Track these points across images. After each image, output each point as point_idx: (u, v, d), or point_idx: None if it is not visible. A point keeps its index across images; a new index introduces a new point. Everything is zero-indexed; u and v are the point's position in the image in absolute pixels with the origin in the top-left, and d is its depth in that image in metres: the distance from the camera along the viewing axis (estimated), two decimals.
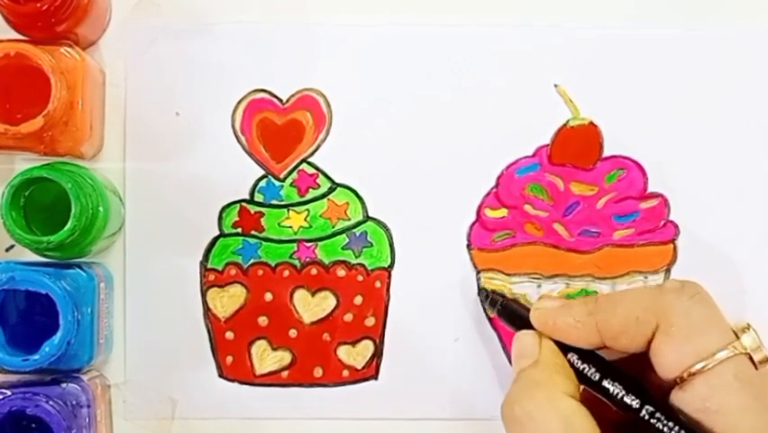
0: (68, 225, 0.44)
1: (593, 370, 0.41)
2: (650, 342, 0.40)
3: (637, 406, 0.39)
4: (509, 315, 0.47)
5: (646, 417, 0.39)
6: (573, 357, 0.42)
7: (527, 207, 0.51)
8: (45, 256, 0.47)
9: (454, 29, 0.51)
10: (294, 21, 0.51)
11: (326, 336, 0.51)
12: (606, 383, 0.40)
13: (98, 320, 0.48)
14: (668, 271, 0.51)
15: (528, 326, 0.44)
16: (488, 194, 0.51)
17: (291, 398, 0.51)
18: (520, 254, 0.51)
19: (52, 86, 0.44)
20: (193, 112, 0.51)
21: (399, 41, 0.51)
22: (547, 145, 0.51)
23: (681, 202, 0.51)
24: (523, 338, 0.43)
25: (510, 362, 0.51)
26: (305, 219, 0.51)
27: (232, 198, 0.51)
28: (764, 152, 0.51)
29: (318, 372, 0.51)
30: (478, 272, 0.51)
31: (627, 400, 0.40)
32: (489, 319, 0.51)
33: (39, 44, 0.45)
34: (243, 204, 0.51)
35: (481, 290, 0.50)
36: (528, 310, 0.44)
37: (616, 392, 0.40)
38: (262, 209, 0.51)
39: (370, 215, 0.51)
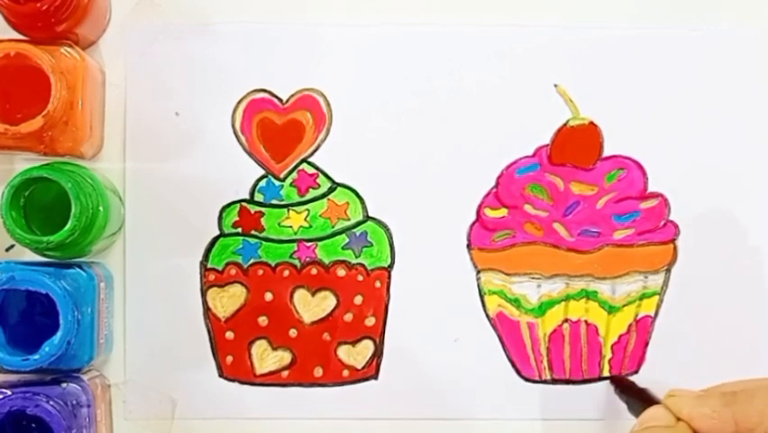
0: (68, 225, 0.44)
1: None
2: None
3: None
4: (640, 402, 0.46)
5: None
6: None
7: (527, 207, 0.51)
8: (45, 256, 0.47)
9: (454, 29, 0.51)
10: (294, 21, 0.51)
11: (326, 336, 0.51)
12: None
13: (98, 320, 0.48)
14: (668, 271, 0.51)
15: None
16: (488, 194, 0.51)
17: (291, 398, 0.51)
18: (520, 254, 0.51)
19: (52, 86, 0.44)
20: (193, 112, 0.51)
21: (399, 41, 0.51)
22: (547, 145, 0.51)
23: (681, 202, 0.51)
24: (659, 409, 0.43)
25: (511, 362, 0.51)
26: (305, 219, 0.51)
27: (232, 198, 0.51)
28: (764, 152, 0.51)
29: (318, 372, 0.51)
30: (478, 272, 0.51)
31: None
32: (489, 319, 0.51)
33: (39, 44, 0.45)
34: (243, 204, 0.51)
35: (613, 379, 0.50)
36: (656, 401, 0.44)
37: None
38: (262, 209, 0.51)
39: (370, 215, 0.51)
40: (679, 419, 0.42)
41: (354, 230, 0.51)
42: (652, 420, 0.43)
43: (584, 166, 0.51)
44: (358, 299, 0.51)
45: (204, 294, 0.51)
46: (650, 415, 0.43)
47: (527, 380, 0.51)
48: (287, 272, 0.51)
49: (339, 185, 0.51)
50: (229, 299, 0.51)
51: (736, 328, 0.51)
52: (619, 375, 0.50)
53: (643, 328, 0.51)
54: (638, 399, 0.46)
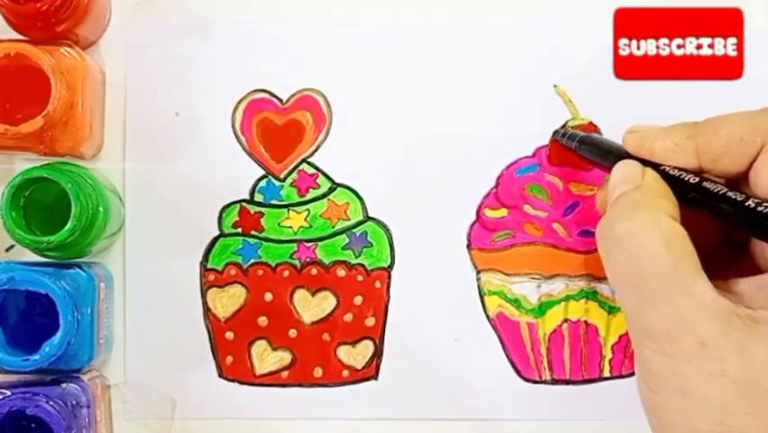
0: (68, 225, 0.44)
1: (691, 175, 0.39)
2: (752, 163, 0.39)
3: (741, 199, 0.37)
4: (593, 146, 0.45)
5: (752, 205, 0.37)
6: (667, 168, 0.40)
7: (527, 207, 0.51)
8: (45, 256, 0.47)
9: (454, 29, 0.51)
10: (294, 21, 0.51)
11: (326, 336, 0.51)
12: (706, 184, 0.39)
13: (98, 320, 0.48)
14: None
15: (618, 157, 0.42)
16: (488, 194, 0.51)
17: (291, 398, 0.51)
18: (520, 254, 0.51)
19: (52, 86, 0.44)
20: (193, 112, 0.51)
21: (399, 41, 0.51)
22: (547, 145, 0.51)
23: None
24: (625, 166, 0.42)
25: (511, 362, 0.51)
26: (305, 219, 0.51)
27: (232, 198, 0.51)
28: None
29: (318, 372, 0.51)
30: (478, 272, 0.51)
31: (731, 195, 0.38)
32: (489, 319, 0.51)
33: (39, 44, 0.45)
34: (243, 204, 0.51)
35: (557, 131, 0.49)
36: (619, 151, 0.42)
37: (717, 190, 0.38)
38: (262, 209, 0.51)
39: (370, 215, 0.51)
40: (646, 164, 0.41)
41: (354, 230, 0.51)
42: (621, 185, 0.41)
43: (584, 166, 0.51)
44: (358, 300, 0.51)
45: (204, 294, 0.51)
46: (618, 178, 0.41)
47: (527, 380, 0.51)
48: (287, 273, 0.51)
49: (339, 185, 0.51)
50: (229, 300, 0.51)
51: None
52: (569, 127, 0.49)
53: None
54: (598, 152, 0.45)
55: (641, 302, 0.38)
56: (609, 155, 0.44)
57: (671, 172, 0.40)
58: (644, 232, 0.38)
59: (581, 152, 0.47)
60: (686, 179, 0.40)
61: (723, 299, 0.36)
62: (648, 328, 0.37)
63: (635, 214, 0.39)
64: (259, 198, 0.51)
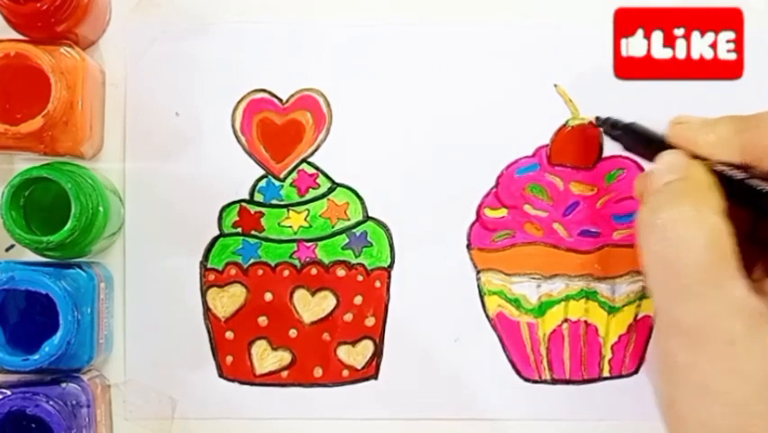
0: (68, 225, 0.44)
1: (735, 171, 0.39)
2: None
3: None
4: (636, 136, 0.44)
5: None
6: (713, 163, 0.39)
7: (527, 207, 0.51)
8: (45, 256, 0.47)
9: (454, 29, 0.51)
10: (294, 21, 0.51)
11: (326, 336, 0.51)
12: (750, 181, 0.39)
13: (98, 320, 0.48)
14: None
15: (661, 147, 0.42)
16: (488, 194, 0.51)
17: (291, 398, 0.51)
18: (520, 254, 0.51)
19: (52, 86, 0.44)
20: (193, 112, 0.51)
21: (399, 41, 0.51)
22: (547, 145, 0.51)
23: None
24: (670, 156, 0.41)
25: (511, 362, 0.51)
26: (305, 219, 0.51)
27: (232, 198, 0.51)
28: None
29: (318, 372, 0.51)
30: (478, 272, 0.51)
31: None
32: (489, 319, 0.51)
33: (39, 44, 0.45)
34: (243, 204, 0.51)
35: (597, 119, 0.49)
36: (661, 140, 0.42)
37: (761, 188, 0.38)
38: (262, 209, 0.51)
39: (370, 215, 0.51)
40: (695, 157, 0.40)
41: (354, 230, 0.51)
42: (666, 174, 0.40)
43: (584, 166, 0.51)
44: (358, 299, 0.51)
45: (204, 294, 0.51)
46: (663, 167, 0.41)
47: (527, 380, 0.51)
48: (287, 272, 0.51)
49: (339, 185, 0.51)
50: (229, 299, 0.51)
51: None
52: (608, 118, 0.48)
53: (643, 328, 0.51)
54: (642, 141, 0.45)
55: (674, 295, 0.37)
56: (653, 144, 0.43)
57: (714, 168, 0.40)
58: (687, 223, 0.38)
59: (625, 138, 0.47)
60: (729, 174, 0.39)
61: (755, 299, 0.36)
62: (678, 322, 0.37)
63: (681, 203, 0.38)
64: (259, 197, 0.51)
